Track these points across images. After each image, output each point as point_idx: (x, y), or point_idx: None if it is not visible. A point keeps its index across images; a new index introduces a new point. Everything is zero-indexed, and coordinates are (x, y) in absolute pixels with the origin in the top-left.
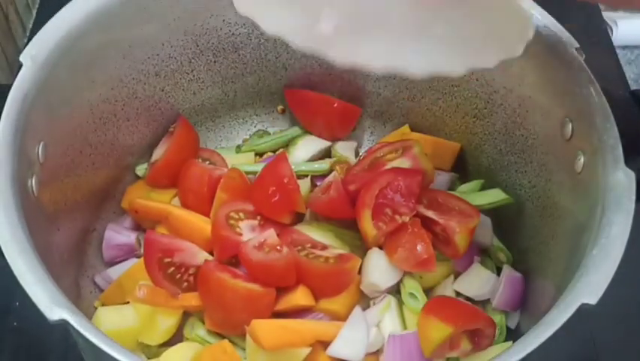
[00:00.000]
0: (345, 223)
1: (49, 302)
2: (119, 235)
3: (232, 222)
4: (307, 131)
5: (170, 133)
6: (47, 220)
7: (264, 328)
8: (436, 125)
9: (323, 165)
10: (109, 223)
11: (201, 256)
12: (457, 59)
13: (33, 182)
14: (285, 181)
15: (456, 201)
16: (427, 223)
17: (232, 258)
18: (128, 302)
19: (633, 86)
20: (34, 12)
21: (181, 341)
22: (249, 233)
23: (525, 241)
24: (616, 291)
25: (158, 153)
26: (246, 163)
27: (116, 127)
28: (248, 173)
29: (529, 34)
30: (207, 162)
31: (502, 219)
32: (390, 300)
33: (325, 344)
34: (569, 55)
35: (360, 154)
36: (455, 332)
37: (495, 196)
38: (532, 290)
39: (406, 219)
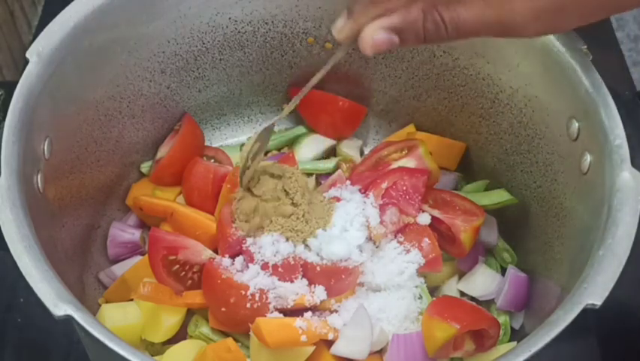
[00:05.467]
0: None
1: (55, 298)
2: (123, 232)
3: None
4: (312, 129)
5: (175, 131)
6: (52, 217)
7: (268, 326)
8: (442, 125)
9: (328, 163)
10: (114, 221)
11: (206, 253)
12: None
13: (39, 178)
14: None
15: (461, 200)
16: (432, 223)
17: (237, 256)
18: (132, 300)
19: (639, 87)
20: (40, 9)
21: (185, 338)
22: None
23: (530, 241)
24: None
25: (163, 151)
26: None
27: (121, 124)
28: None
29: None
30: (212, 160)
31: (508, 219)
32: None
33: (329, 343)
34: (576, 55)
35: (365, 153)
36: (459, 332)
37: (500, 196)
38: (537, 291)
39: (412, 219)
